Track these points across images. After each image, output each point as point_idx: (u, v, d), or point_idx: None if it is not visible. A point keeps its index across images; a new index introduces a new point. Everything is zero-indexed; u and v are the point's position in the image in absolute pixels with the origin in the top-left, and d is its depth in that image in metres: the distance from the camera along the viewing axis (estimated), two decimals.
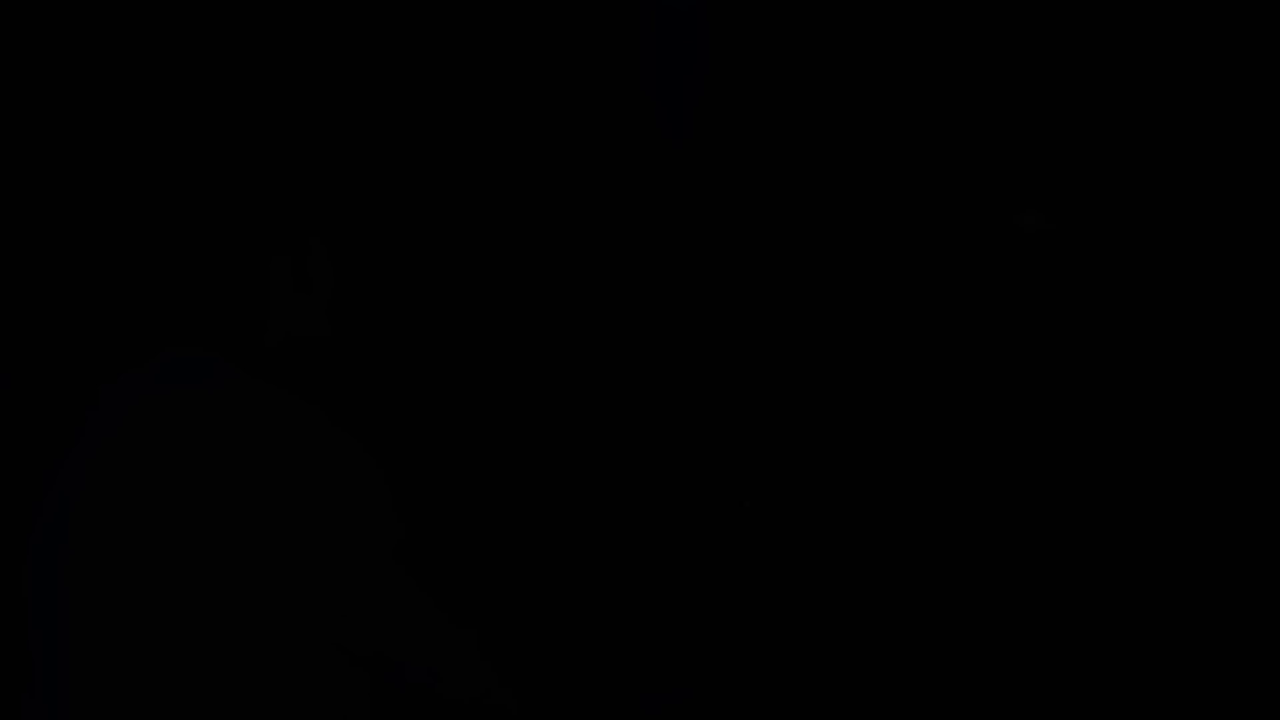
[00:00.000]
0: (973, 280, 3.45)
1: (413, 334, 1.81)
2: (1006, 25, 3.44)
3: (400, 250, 1.74)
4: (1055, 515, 3.25)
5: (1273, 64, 3.23)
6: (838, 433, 3.49)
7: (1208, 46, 3.27)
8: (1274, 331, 3.18)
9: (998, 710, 3.07)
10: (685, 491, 3.48)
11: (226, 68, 3.31)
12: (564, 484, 3.51)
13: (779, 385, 3.57)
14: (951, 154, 3.50)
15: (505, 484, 3.46)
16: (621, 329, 3.66)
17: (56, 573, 1.60)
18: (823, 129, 3.61)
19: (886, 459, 3.43)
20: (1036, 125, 3.43)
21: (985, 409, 3.40)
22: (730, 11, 3.59)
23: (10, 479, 1.75)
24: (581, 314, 3.64)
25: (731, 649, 3.21)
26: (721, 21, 3.59)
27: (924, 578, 3.28)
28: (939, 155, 3.51)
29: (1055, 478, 3.29)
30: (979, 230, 3.45)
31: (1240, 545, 3.02)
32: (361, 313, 1.74)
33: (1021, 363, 3.40)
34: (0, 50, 3.36)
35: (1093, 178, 3.38)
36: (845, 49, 3.60)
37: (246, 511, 1.53)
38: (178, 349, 1.68)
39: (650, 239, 3.69)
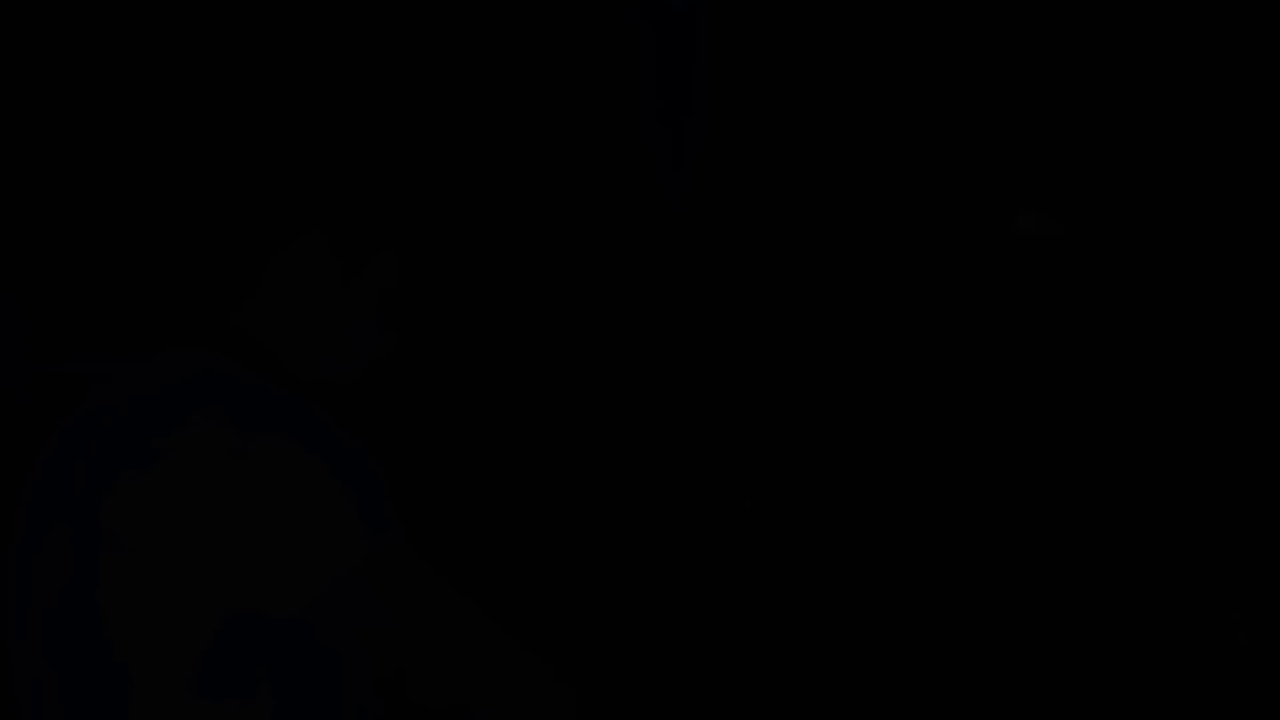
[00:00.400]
0: (972, 281, 3.45)
1: (417, 337, 1.80)
2: (1006, 25, 3.44)
3: (410, 259, 1.75)
4: (1055, 515, 3.25)
5: (1273, 64, 3.23)
6: (838, 433, 3.49)
7: (1208, 46, 3.27)
8: (1273, 331, 3.18)
9: (998, 710, 3.07)
10: (686, 491, 3.48)
11: (229, 69, 3.31)
12: (566, 485, 3.51)
13: (779, 386, 3.57)
14: (951, 154, 3.50)
15: (506, 485, 3.46)
16: (623, 330, 3.66)
17: (49, 574, 1.60)
18: (823, 127, 3.62)
19: (886, 459, 3.43)
20: (1036, 125, 3.43)
21: (984, 409, 3.40)
22: (730, 37, 3.60)
23: (10, 479, 1.75)
24: (584, 317, 3.64)
25: (732, 647, 3.21)
26: (721, 62, 3.61)
27: (924, 577, 3.28)
28: (938, 155, 3.51)
29: (1054, 477, 3.29)
30: (979, 230, 3.45)
31: (1239, 545, 3.02)
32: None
33: (1020, 362, 3.40)
34: (2, 49, 3.36)
35: (1093, 178, 3.38)
36: (846, 48, 3.60)
37: (244, 511, 1.52)
38: (177, 348, 1.68)
39: (653, 242, 3.69)
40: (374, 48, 3.42)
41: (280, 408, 1.61)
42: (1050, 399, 3.35)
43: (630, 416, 3.59)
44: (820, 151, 3.61)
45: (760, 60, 3.62)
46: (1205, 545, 3.04)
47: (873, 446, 3.46)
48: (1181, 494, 3.12)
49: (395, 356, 1.78)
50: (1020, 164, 3.44)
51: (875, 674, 3.16)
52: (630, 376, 3.62)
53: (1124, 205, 3.34)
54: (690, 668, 3.21)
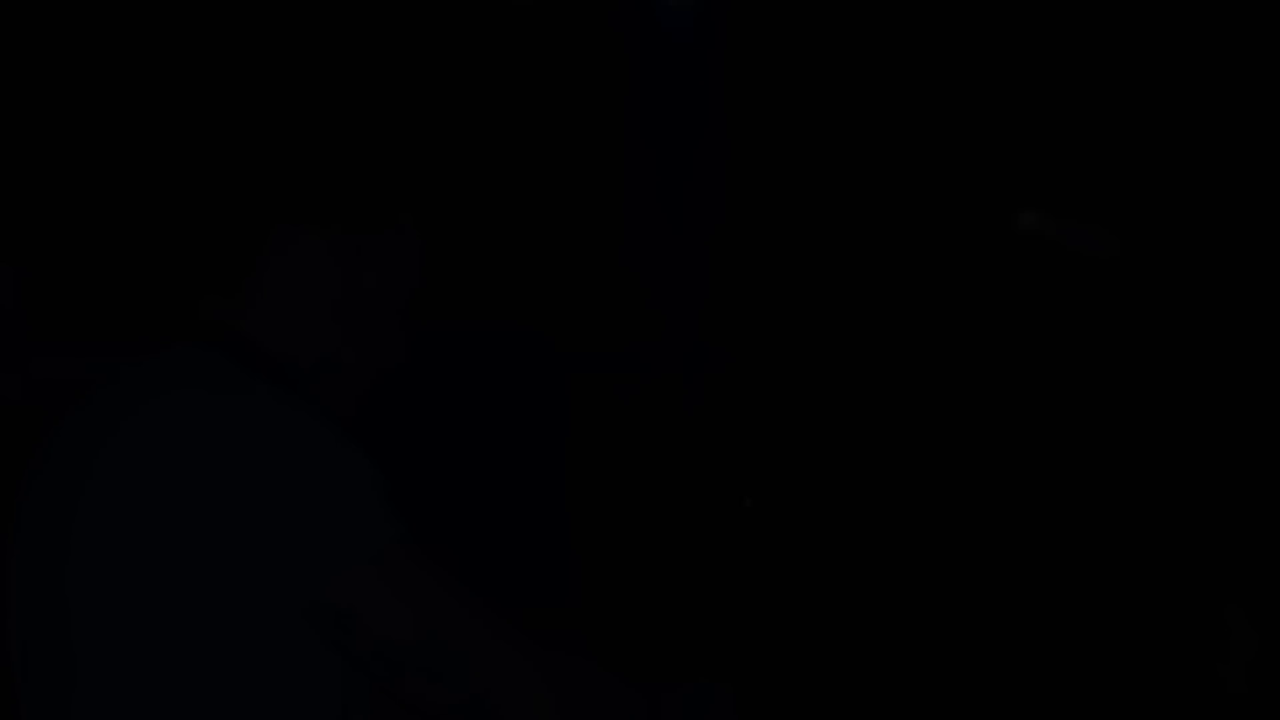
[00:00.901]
0: (973, 280, 3.45)
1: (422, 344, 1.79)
2: (1008, 27, 3.44)
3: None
4: (1054, 515, 3.25)
5: (1273, 64, 3.23)
6: (838, 432, 3.49)
7: (1208, 46, 3.27)
8: (1273, 332, 3.18)
9: (997, 708, 3.07)
10: (686, 491, 3.48)
11: (228, 68, 3.31)
12: (564, 482, 3.50)
13: (779, 384, 3.57)
14: (951, 154, 3.50)
15: (506, 483, 3.46)
16: (622, 324, 3.66)
17: (50, 571, 1.60)
18: (828, 121, 3.62)
19: (886, 458, 3.43)
20: (1036, 125, 3.43)
21: (984, 408, 3.40)
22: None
23: (9, 478, 1.75)
24: (584, 313, 3.64)
25: (734, 645, 3.21)
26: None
27: (923, 576, 3.29)
28: (939, 155, 3.51)
29: (1054, 477, 3.29)
30: (979, 230, 3.45)
31: (1238, 547, 3.01)
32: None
33: (1020, 362, 3.40)
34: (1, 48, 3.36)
35: (1093, 178, 3.38)
36: (850, 45, 3.60)
37: (245, 508, 1.52)
38: (175, 345, 1.68)
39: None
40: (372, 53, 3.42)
41: (279, 405, 1.60)
42: (1050, 396, 3.35)
43: (630, 413, 3.59)
44: (824, 152, 3.61)
45: (765, 62, 3.62)
46: (1205, 544, 3.04)
47: (873, 442, 3.46)
48: (1181, 493, 3.12)
49: (403, 364, 1.77)
50: (1021, 164, 3.44)
51: (874, 671, 3.16)
52: (629, 367, 3.62)
53: (1125, 205, 3.34)
54: (692, 662, 3.21)
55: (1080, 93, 3.39)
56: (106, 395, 1.68)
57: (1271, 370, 3.14)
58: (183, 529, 1.54)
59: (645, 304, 3.65)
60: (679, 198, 3.69)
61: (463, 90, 3.51)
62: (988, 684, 3.09)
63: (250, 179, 1.71)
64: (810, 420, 3.51)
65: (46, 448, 1.70)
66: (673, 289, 3.69)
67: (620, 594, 3.41)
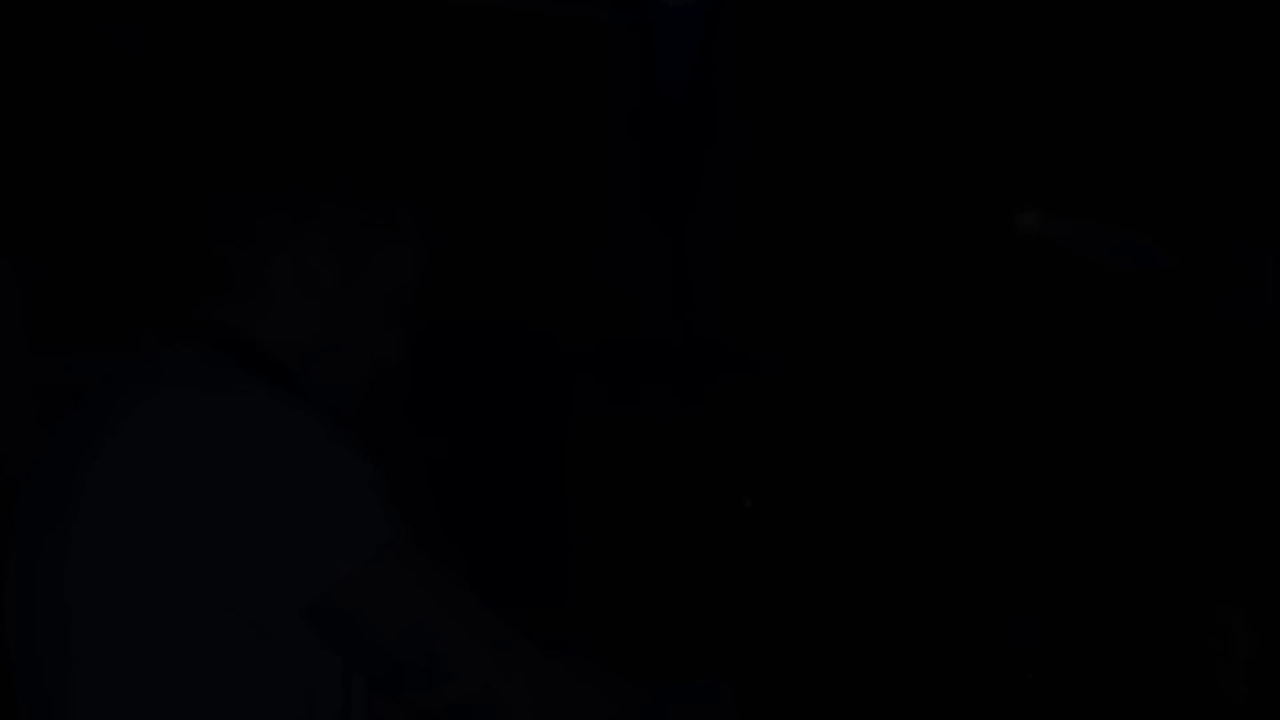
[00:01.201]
0: (973, 280, 3.45)
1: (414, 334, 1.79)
2: (1007, 26, 3.44)
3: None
4: (1054, 514, 3.25)
5: (1273, 64, 3.23)
6: (838, 431, 3.49)
7: (1207, 47, 3.27)
8: (1272, 331, 3.18)
9: (996, 707, 3.07)
10: (687, 490, 3.49)
11: (227, 66, 3.31)
12: (564, 481, 3.51)
13: (778, 383, 3.57)
14: (951, 154, 3.51)
15: (506, 483, 3.46)
16: (621, 323, 3.66)
17: (49, 570, 1.60)
18: (831, 123, 3.62)
19: (886, 457, 3.43)
20: (1036, 125, 3.43)
21: (984, 408, 3.41)
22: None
23: (11, 478, 1.75)
24: (584, 311, 3.64)
25: (734, 645, 3.21)
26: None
27: (922, 575, 3.29)
28: (939, 155, 3.52)
29: (1053, 477, 3.29)
30: (979, 230, 3.45)
31: (1237, 547, 3.02)
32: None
33: (1020, 362, 3.40)
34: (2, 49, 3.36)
35: (1093, 178, 3.38)
36: (850, 46, 3.60)
37: (241, 511, 1.51)
38: (174, 345, 1.67)
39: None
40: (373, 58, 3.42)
41: (278, 406, 1.60)
42: (1049, 396, 3.35)
43: (630, 413, 3.60)
44: (827, 154, 3.61)
45: (768, 64, 3.62)
46: (1204, 544, 3.04)
47: (873, 441, 3.46)
48: (1181, 493, 3.12)
49: (403, 364, 1.77)
50: (1022, 164, 3.44)
51: (873, 669, 3.16)
52: (627, 363, 3.62)
53: (1126, 206, 3.35)
54: (692, 662, 3.21)
55: (1082, 94, 3.39)
56: (104, 395, 1.68)
57: (1270, 369, 3.14)
58: (182, 530, 1.54)
59: (644, 303, 3.65)
60: (682, 198, 3.69)
61: (461, 88, 3.51)
62: (986, 683, 3.09)
63: (249, 175, 1.71)
64: (809, 421, 3.51)
65: (45, 447, 1.69)
66: (673, 289, 3.69)
67: (620, 594, 3.41)
